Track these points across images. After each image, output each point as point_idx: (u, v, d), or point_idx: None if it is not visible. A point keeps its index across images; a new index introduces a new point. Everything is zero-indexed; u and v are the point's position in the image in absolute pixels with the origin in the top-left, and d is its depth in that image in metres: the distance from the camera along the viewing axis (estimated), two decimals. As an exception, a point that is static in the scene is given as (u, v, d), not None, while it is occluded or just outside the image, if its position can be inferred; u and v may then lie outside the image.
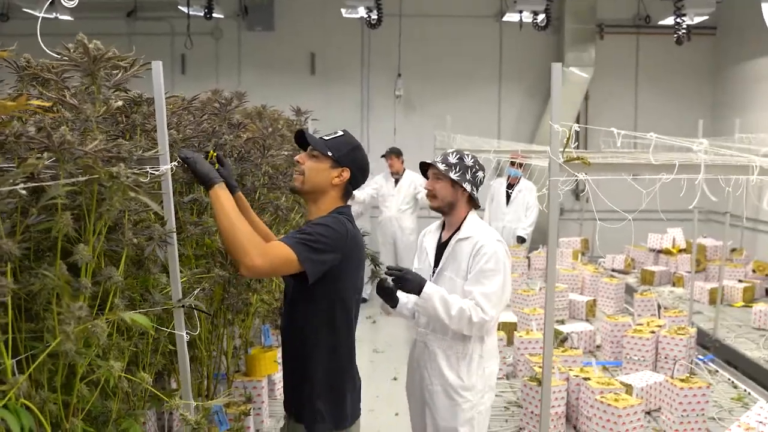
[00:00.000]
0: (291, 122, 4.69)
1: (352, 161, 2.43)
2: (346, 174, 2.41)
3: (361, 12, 8.92)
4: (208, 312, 2.42)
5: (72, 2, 3.60)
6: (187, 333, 2.00)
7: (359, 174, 2.45)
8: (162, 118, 1.96)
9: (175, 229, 1.93)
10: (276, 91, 7.88)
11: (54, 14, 8.14)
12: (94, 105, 1.77)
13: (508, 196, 8.39)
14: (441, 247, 3.21)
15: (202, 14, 8.63)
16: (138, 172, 1.66)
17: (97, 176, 1.53)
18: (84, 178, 1.53)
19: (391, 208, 8.88)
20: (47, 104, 1.65)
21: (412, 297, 3.09)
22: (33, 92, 1.86)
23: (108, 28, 10.34)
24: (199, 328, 2.09)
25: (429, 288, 2.93)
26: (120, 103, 1.87)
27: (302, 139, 2.44)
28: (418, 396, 3.21)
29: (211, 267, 2.46)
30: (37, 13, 7.75)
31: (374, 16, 8.90)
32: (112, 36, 10.42)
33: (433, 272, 3.18)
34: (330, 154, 2.39)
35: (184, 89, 2.96)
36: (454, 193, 3.11)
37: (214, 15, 9.03)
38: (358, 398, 2.49)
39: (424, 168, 3.21)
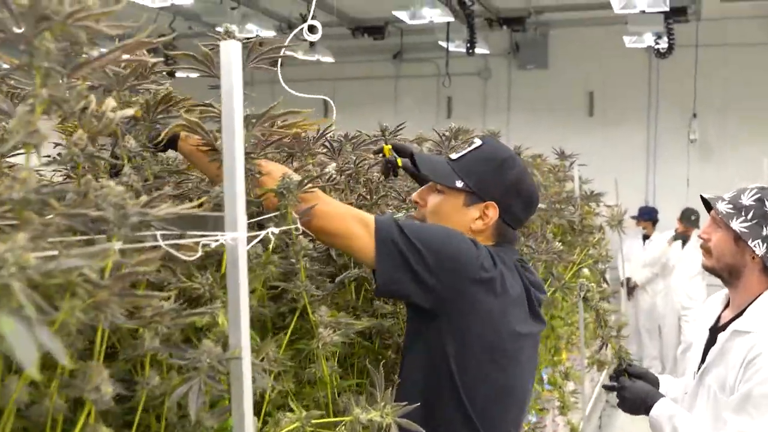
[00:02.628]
0: (554, 168, 4.44)
1: (502, 189, 1.71)
2: (493, 212, 1.69)
3: (648, 40, 8.37)
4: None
5: (315, 36, 3.72)
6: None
7: (518, 206, 1.73)
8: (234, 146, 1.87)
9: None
10: (548, 134, 7.61)
11: (315, 57, 8.74)
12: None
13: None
14: (714, 333, 2.29)
15: (464, 50, 8.73)
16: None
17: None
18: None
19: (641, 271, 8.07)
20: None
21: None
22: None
23: (374, 70, 10.93)
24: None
25: (658, 408, 2.22)
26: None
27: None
28: None
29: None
30: (299, 55, 8.39)
31: (664, 44, 8.31)
32: (378, 79, 11.11)
33: (696, 372, 2.30)
34: (460, 185, 1.69)
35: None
36: (737, 253, 2.18)
37: (479, 51, 9.09)
38: None
39: (707, 207, 2.34)
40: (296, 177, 1.36)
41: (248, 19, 7.73)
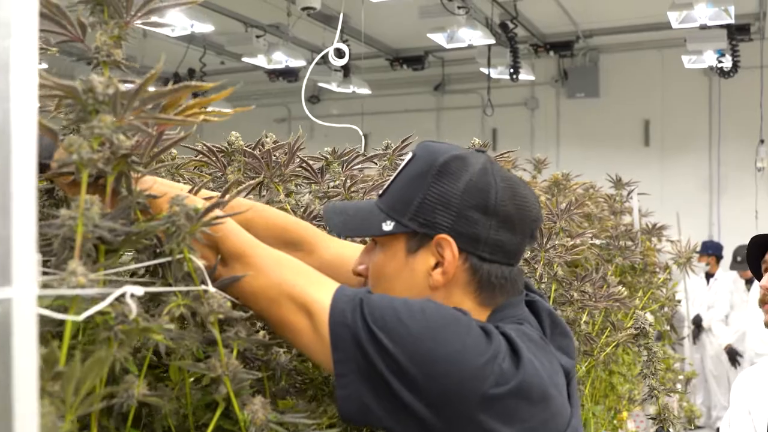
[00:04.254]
0: (609, 198, 3.91)
1: (453, 208, 1.06)
2: (449, 250, 1.06)
3: (709, 59, 7.72)
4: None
5: (341, 61, 3.31)
6: None
7: (490, 224, 1.06)
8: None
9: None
10: (601, 167, 7.06)
11: (351, 89, 8.36)
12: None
13: None
14: None
15: (507, 77, 8.25)
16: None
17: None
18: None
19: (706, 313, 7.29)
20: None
21: None
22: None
23: (415, 103, 10.56)
24: None
25: None
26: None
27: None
28: None
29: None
30: (334, 87, 8.02)
31: (728, 63, 7.66)
32: (419, 112, 10.72)
33: None
34: (389, 227, 1.09)
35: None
36: None
37: (524, 78, 8.60)
38: None
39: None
40: (196, 202, 0.87)
41: (276, 48, 7.38)
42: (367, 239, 1.21)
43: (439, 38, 6.92)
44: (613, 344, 2.65)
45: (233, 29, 7.49)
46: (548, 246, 2.15)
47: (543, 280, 2.12)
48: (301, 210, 1.37)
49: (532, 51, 8.88)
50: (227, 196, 0.98)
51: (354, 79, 8.69)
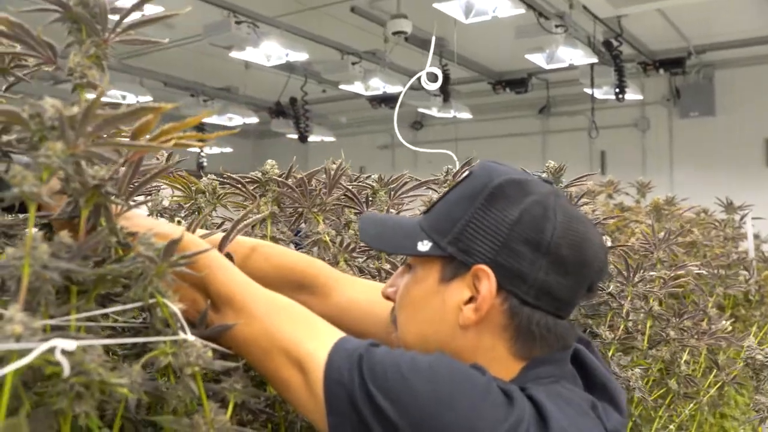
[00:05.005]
0: (720, 223, 3.63)
1: (499, 236, 0.91)
2: (487, 283, 0.90)
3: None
4: None
5: (435, 85, 3.22)
6: None
7: (541, 264, 0.89)
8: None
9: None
10: (717, 190, 6.67)
11: (452, 114, 8.25)
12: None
13: None
14: None
15: (612, 97, 7.94)
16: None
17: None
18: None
19: None
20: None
21: None
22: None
23: (518, 127, 10.38)
24: None
25: None
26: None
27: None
28: None
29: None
30: (434, 113, 7.93)
31: None
32: (523, 136, 10.49)
33: None
34: (425, 247, 0.94)
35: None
36: None
37: (633, 98, 8.27)
38: None
39: None
40: (170, 234, 0.77)
41: (372, 74, 7.36)
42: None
43: (537, 59, 6.73)
44: (717, 385, 2.40)
45: (329, 57, 7.53)
46: (636, 280, 1.95)
47: (629, 318, 1.93)
48: (338, 243, 1.26)
49: (641, 69, 8.54)
50: (199, 231, 0.87)
51: (454, 103, 8.59)
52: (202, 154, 12.35)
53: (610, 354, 1.81)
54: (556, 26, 6.14)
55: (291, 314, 0.89)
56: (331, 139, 11.13)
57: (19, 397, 0.78)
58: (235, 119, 9.96)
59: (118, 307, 0.77)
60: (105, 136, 0.72)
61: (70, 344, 0.63)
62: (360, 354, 0.83)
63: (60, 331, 0.71)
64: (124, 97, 8.29)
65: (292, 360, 0.85)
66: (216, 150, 12.68)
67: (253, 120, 10.33)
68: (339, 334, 0.88)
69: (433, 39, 3.60)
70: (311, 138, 10.58)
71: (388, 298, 1.02)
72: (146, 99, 8.53)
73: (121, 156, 0.78)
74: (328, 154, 1.50)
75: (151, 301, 0.76)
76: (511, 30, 6.43)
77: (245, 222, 1.03)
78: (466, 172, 1.01)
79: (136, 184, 0.86)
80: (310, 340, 0.86)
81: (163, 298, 0.76)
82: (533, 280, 0.89)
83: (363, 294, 1.14)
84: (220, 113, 9.67)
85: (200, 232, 1.02)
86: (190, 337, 0.77)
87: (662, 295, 2.11)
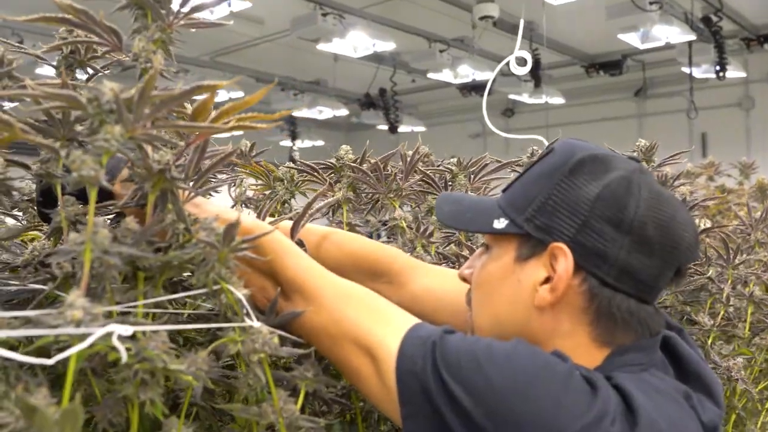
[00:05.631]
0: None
1: (578, 214, 0.85)
2: (564, 261, 0.84)
3: None
4: None
5: (524, 69, 3.15)
6: None
7: (623, 243, 0.83)
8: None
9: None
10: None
11: (543, 99, 8.09)
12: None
13: None
14: None
15: (713, 76, 7.59)
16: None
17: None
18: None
19: None
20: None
21: None
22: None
23: (613, 111, 10.10)
24: None
25: None
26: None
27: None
28: None
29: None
30: (525, 99, 7.78)
31: None
32: (618, 120, 10.19)
33: None
34: (501, 224, 0.90)
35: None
36: None
37: (735, 76, 7.89)
38: None
39: None
40: (237, 221, 0.76)
41: (461, 62, 7.28)
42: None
43: (631, 38, 6.49)
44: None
45: (417, 46, 7.49)
46: (737, 262, 1.84)
47: (730, 303, 1.82)
48: (414, 228, 1.23)
49: (743, 45, 8.14)
50: (278, 217, 0.86)
51: (546, 88, 8.41)
52: (294, 147, 12.53)
53: (709, 342, 1.71)
54: (651, 3, 5.90)
55: (363, 301, 0.87)
56: (422, 129, 11.10)
57: (87, 383, 0.79)
58: (324, 112, 10.04)
59: (183, 294, 0.76)
60: (165, 119, 0.71)
61: (127, 330, 0.62)
62: (433, 341, 0.79)
63: (126, 317, 0.71)
64: (216, 94, 8.44)
65: (362, 348, 0.82)
66: (308, 143, 12.84)
67: (343, 112, 10.39)
68: (412, 320, 0.85)
69: (522, 22, 3.52)
70: (401, 129, 10.58)
71: (464, 280, 0.98)
72: (238, 95, 8.69)
73: (183, 140, 0.77)
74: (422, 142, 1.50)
75: (215, 287, 0.75)
76: (603, 10, 6.23)
77: (315, 207, 1.02)
78: (546, 149, 0.96)
79: (202, 169, 0.86)
80: (381, 328, 0.83)
81: (228, 283, 0.74)
82: (614, 260, 0.83)
83: (439, 282, 1.10)
84: (310, 106, 9.77)
85: (269, 219, 1.01)
86: (256, 323, 0.75)
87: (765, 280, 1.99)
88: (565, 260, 0.84)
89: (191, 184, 0.83)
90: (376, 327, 0.83)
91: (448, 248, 1.51)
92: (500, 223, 0.89)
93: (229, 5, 5.16)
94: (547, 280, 0.86)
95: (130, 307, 0.77)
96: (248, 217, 0.92)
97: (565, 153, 0.89)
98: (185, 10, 0.88)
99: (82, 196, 0.85)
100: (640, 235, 0.83)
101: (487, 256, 0.94)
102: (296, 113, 10.30)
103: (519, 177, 0.94)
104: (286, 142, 12.63)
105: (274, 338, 0.76)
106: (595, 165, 0.87)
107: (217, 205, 0.93)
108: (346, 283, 0.89)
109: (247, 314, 0.76)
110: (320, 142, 12.84)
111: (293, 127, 12.42)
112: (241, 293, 0.75)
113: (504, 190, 0.96)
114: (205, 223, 0.73)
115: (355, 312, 0.85)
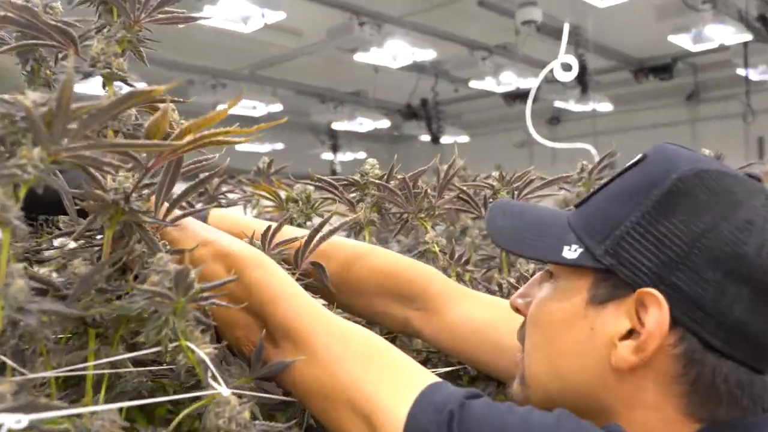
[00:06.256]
0: None
1: (680, 251, 0.63)
2: (657, 314, 0.63)
3: None
4: None
5: (569, 75, 2.96)
6: None
7: (741, 295, 0.62)
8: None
9: None
10: None
11: (591, 106, 7.85)
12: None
13: None
14: None
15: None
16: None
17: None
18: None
19: None
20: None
21: None
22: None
23: (664, 116, 9.84)
24: None
25: None
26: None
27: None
28: None
29: None
30: (571, 106, 7.56)
31: None
32: (669, 126, 9.88)
33: None
34: (573, 254, 0.69)
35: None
36: None
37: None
38: None
39: None
40: (229, 248, 0.60)
41: (503, 69, 7.09)
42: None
43: (683, 40, 6.24)
44: None
45: (457, 54, 7.33)
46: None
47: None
48: (448, 254, 1.06)
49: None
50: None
51: (593, 95, 8.17)
52: (335, 160, 12.44)
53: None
54: (703, 2, 5.64)
55: (368, 353, 0.69)
56: (465, 139, 10.92)
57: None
58: (365, 123, 9.92)
59: (133, 354, 0.60)
60: (101, 136, 0.56)
61: (18, 422, 0.45)
62: (450, 410, 0.61)
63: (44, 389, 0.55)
64: (254, 108, 8.42)
65: (360, 414, 0.65)
66: (350, 155, 12.75)
67: (385, 123, 10.26)
68: (427, 380, 0.66)
69: (566, 26, 3.33)
70: (444, 139, 10.41)
71: (517, 310, 0.78)
72: (277, 108, 8.62)
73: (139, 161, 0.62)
74: (463, 155, 1.36)
75: (172, 345, 0.58)
76: (652, 11, 5.98)
77: (324, 231, 0.86)
78: (637, 157, 0.72)
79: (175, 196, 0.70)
80: (386, 387, 0.65)
81: (188, 340, 0.58)
82: (724, 317, 0.63)
83: (482, 311, 0.90)
84: (350, 118, 9.67)
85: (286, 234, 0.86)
86: (224, 390, 0.59)
87: None
88: (658, 312, 0.63)
89: (164, 211, 0.68)
90: (383, 388, 0.66)
91: (488, 274, 1.33)
92: (572, 252, 0.69)
93: (263, 16, 5.06)
94: (630, 333, 0.66)
95: (74, 370, 0.61)
96: (241, 245, 0.76)
97: (661, 165, 0.68)
98: (154, 3, 0.73)
99: (81, 213, 0.70)
100: (763, 286, 0.63)
101: (551, 286, 0.73)
102: (337, 125, 10.19)
103: (598, 190, 0.73)
104: (328, 155, 12.55)
105: (244, 412, 0.59)
106: (704, 185, 0.65)
107: (207, 229, 0.78)
108: (347, 326, 0.72)
109: (213, 378, 0.60)
110: (362, 154, 12.75)
111: (334, 139, 12.35)
112: (204, 352, 0.59)
113: (578, 205, 0.75)
114: (158, 263, 0.57)
115: (358, 366, 0.68)
